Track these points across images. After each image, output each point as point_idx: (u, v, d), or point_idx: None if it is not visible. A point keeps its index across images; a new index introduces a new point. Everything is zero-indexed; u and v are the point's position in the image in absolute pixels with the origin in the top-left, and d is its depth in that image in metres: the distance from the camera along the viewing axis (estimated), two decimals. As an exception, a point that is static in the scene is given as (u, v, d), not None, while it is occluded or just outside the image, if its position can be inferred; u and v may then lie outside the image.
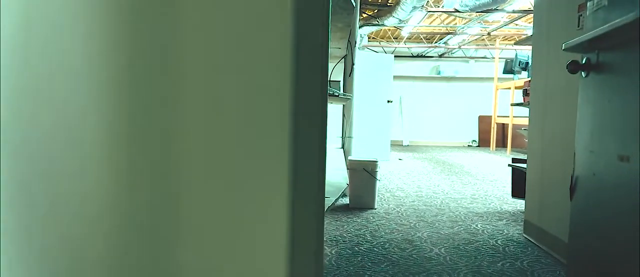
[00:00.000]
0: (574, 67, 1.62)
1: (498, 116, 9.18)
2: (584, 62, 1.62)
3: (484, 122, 10.99)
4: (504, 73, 8.41)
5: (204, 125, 0.85)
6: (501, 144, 10.43)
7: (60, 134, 0.80)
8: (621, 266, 1.35)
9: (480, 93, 11.00)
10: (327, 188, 1.78)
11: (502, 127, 10.44)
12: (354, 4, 3.39)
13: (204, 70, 0.84)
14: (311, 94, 0.90)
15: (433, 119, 11.30)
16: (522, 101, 3.25)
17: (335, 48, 2.95)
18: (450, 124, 11.29)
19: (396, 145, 10.25)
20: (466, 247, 2.38)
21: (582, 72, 1.63)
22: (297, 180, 0.88)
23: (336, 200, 1.57)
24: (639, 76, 1.29)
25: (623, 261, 1.34)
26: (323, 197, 0.95)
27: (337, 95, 1.51)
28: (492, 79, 9.91)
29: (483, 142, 10.96)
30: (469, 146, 11.10)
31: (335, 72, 4.30)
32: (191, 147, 0.85)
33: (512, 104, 4.16)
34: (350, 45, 3.33)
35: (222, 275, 0.86)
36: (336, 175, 2.13)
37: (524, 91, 3.54)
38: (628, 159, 1.31)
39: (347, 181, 1.94)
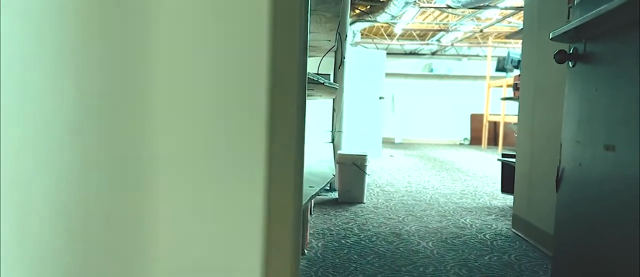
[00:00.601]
0: (561, 57, 1.60)
1: (490, 114, 9.20)
2: (571, 51, 1.61)
3: (476, 120, 11.01)
4: (496, 71, 8.43)
5: (173, 118, 0.81)
6: (493, 142, 10.46)
7: (14, 128, 0.77)
8: (606, 258, 1.34)
9: (472, 91, 11.02)
10: (312, 178, 1.75)
11: (494, 125, 10.47)
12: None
13: (173, 59, 0.81)
14: (288, 81, 0.87)
15: (425, 116, 11.31)
16: (513, 96, 3.25)
17: (325, 41, 2.92)
18: (442, 122, 11.30)
19: (389, 142, 10.25)
20: (454, 240, 2.37)
21: (570, 62, 1.62)
22: (274, 172, 0.85)
23: (321, 189, 1.54)
24: (625, 64, 1.28)
25: (607, 252, 1.32)
26: (301, 191, 0.92)
27: (323, 83, 1.48)
28: (484, 77, 9.93)
29: (475, 140, 10.98)
30: (460, 143, 11.12)
31: (325, 66, 4.27)
32: (160, 141, 0.82)
33: (503, 98, 4.16)
34: (340, 37, 3.31)
35: (197, 270, 0.83)
36: (322, 166, 2.10)
37: (514, 86, 3.53)
38: (614, 148, 1.29)
39: (334, 172, 1.91)
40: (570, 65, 1.62)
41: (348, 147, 5.20)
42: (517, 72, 6.68)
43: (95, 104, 0.65)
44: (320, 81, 1.36)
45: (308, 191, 1.48)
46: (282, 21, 0.85)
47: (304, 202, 1.32)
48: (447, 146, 10.18)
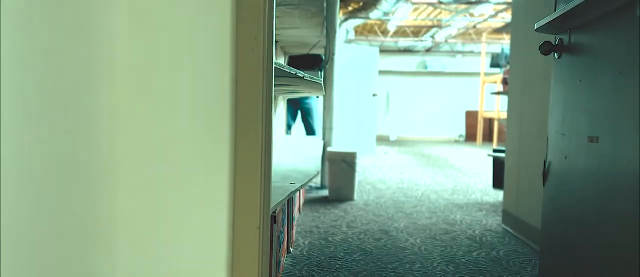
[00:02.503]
0: (547, 48, 1.57)
1: (485, 110, 9.18)
2: (556, 42, 1.58)
3: (471, 117, 11.00)
4: (490, 67, 8.41)
5: (132, 115, 0.78)
6: (488, 138, 10.44)
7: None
8: (591, 250, 1.31)
9: (467, 88, 11.01)
10: (294, 175, 1.72)
11: (489, 122, 10.46)
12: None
13: (133, 55, 0.77)
14: (252, 75, 0.83)
15: (420, 114, 11.29)
16: (502, 90, 3.22)
17: (313, 36, 2.88)
18: (437, 119, 11.29)
19: (384, 140, 10.22)
20: (442, 237, 2.34)
21: (555, 54, 1.58)
22: (239, 167, 0.81)
23: (302, 186, 1.51)
24: (607, 54, 1.25)
25: (593, 245, 1.29)
26: (268, 186, 0.89)
27: (302, 78, 1.44)
28: (478, 73, 9.91)
29: (470, 136, 10.97)
30: (456, 140, 11.11)
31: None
32: (119, 138, 0.78)
33: (492, 93, 4.14)
34: (328, 33, 3.27)
35: (161, 273, 0.80)
36: (308, 163, 2.07)
37: (503, 80, 3.50)
38: (597, 139, 1.26)
39: (318, 169, 1.88)
40: (556, 57, 1.59)
41: (341, 145, 5.16)
42: (510, 67, 6.65)
43: (50, 101, 0.62)
44: (299, 75, 1.32)
45: (288, 187, 1.44)
46: (245, 14, 0.81)
47: (282, 199, 1.28)
48: (442, 143, 10.17)
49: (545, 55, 1.59)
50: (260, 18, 0.82)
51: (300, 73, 1.41)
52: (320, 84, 1.74)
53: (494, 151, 3.18)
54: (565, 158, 1.50)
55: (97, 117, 0.75)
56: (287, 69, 1.25)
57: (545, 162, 1.65)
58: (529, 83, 2.36)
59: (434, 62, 11.12)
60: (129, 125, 0.78)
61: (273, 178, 1.64)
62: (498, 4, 5.97)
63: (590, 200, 1.31)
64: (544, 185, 1.65)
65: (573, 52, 1.49)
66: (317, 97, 4.50)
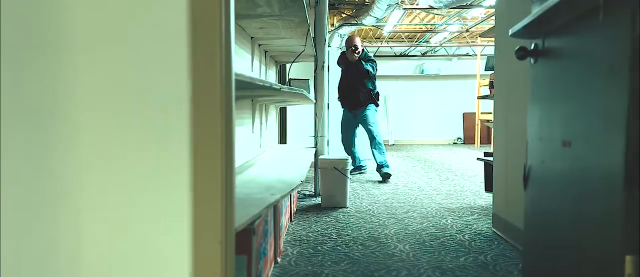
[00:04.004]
0: (522, 53, 1.59)
1: (482, 113, 9.19)
2: (532, 47, 1.59)
3: (468, 119, 11.00)
4: (486, 69, 8.42)
5: (85, 121, 0.79)
6: (487, 140, 10.43)
7: None
8: (568, 251, 1.31)
9: (464, 90, 11.01)
10: (278, 186, 1.73)
11: (488, 121, 10.45)
12: (312, 5, 3.35)
13: (93, 59, 0.78)
14: (209, 85, 0.84)
15: (418, 117, 11.29)
16: (489, 93, 3.24)
17: (299, 45, 2.90)
18: (435, 122, 11.28)
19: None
20: (432, 242, 2.34)
21: (531, 59, 1.60)
22: (198, 186, 0.82)
23: (283, 197, 1.52)
24: (577, 59, 1.26)
25: (569, 246, 1.30)
26: (232, 205, 0.89)
27: (278, 89, 1.45)
28: (475, 76, 9.93)
29: (468, 139, 10.97)
30: (454, 143, 11.11)
31: (305, 71, 4.24)
32: (75, 146, 0.79)
33: (479, 97, 4.16)
34: (314, 42, 3.29)
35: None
36: (293, 172, 2.07)
37: (490, 84, 3.52)
38: (570, 143, 1.27)
39: (303, 178, 1.89)
40: (532, 62, 1.60)
41: (337, 151, 5.17)
42: (504, 70, 6.67)
43: (11, 102, 0.63)
44: (275, 86, 1.33)
45: (268, 198, 1.45)
46: (201, 26, 0.82)
47: (258, 211, 1.29)
48: (440, 146, 10.17)
49: (520, 60, 1.61)
50: (215, 31, 0.82)
51: (277, 85, 1.42)
52: (300, 93, 1.76)
53: (485, 154, 3.18)
54: (543, 162, 1.50)
55: (57, 140, 0.76)
56: (260, 81, 1.26)
57: (525, 166, 1.65)
58: (513, 87, 2.37)
59: (430, 65, 11.14)
60: (86, 139, 0.79)
61: (255, 189, 1.65)
62: (490, 7, 5.99)
63: (567, 203, 1.32)
64: (525, 189, 1.66)
65: (547, 56, 1.50)
66: (373, 106, 4.58)
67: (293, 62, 3.04)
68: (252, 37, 2.70)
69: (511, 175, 2.40)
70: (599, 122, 1.13)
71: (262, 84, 1.29)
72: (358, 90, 4.50)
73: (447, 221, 2.82)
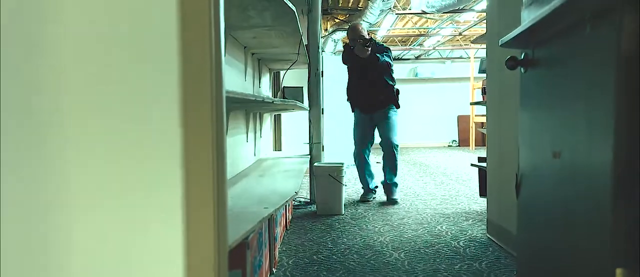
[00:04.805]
0: (512, 63, 1.60)
1: (476, 115, 9.22)
2: (522, 57, 1.60)
3: (463, 121, 11.04)
4: (479, 72, 8.47)
5: (71, 132, 0.79)
6: (482, 143, 10.48)
7: None
8: (560, 263, 1.32)
9: (458, 93, 11.06)
10: (271, 197, 1.73)
11: (482, 126, 10.49)
12: (305, 13, 3.36)
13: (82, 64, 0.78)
14: (200, 91, 0.84)
15: (413, 121, 11.31)
16: (482, 100, 3.26)
17: (292, 54, 2.91)
18: (430, 125, 11.32)
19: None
20: (427, 250, 2.35)
21: (521, 68, 1.61)
22: (191, 199, 0.82)
23: (276, 210, 1.52)
24: (565, 69, 1.27)
25: (561, 258, 1.31)
26: (225, 222, 0.90)
27: (271, 102, 1.45)
28: (469, 78, 9.97)
29: (463, 141, 11.00)
30: (449, 146, 11.14)
31: (299, 78, 4.25)
32: (74, 175, 0.79)
33: (472, 103, 4.18)
34: (308, 50, 3.30)
35: None
36: (287, 183, 2.08)
37: (482, 90, 3.54)
38: (559, 155, 1.28)
39: (297, 189, 1.89)
40: (522, 71, 1.61)
41: (334, 156, 5.17)
42: (498, 72, 6.70)
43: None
44: (261, 98, 1.34)
45: (261, 212, 1.45)
46: (190, 46, 0.82)
47: (252, 226, 1.29)
48: (435, 149, 10.20)
49: (511, 69, 1.62)
50: (205, 41, 0.82)
51: (269, 99, 1.43)
52: (296, 104, 1.76)
53: (479, 159, 3.20)
54: (534, 172, 1.52)
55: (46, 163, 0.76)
56: (252, 96, 1.27)
57: (517, 175, 1.66)
58: (505, 93, 2.38)
59: (424, 69, 11.18)
60: (69, 139, 0.78)
61: (248, 202, 1.65)
62: (482, 11, 6.03)
63: (558, 212, 1.33)
64: (517, 197, 1.67)
65: (537, 66, 1.52)
66: (395, 108, 3.75)
67: (287, 70, 3.04)
68: (245, 47, 2.70)
69: (505, 181, 2.41)
70: (587, 134, 1.14)
71: (254, 98, 1.30)
72: (375, 90, 3.60)
73: (442, 227, 2.83)
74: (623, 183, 0.99)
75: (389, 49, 3.72)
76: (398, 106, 3.77)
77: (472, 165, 3.20)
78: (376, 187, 3.91)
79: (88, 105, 0.78)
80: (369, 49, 3.43)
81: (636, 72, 0.98)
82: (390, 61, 3.57)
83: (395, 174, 3.72)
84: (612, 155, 0.99)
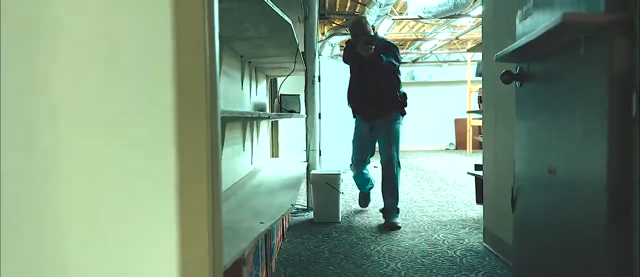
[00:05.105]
0: (507, 78, 1.61)
1: (473, 118, 9.24)
2: (517, 72, 1.61)
3: (460, 125, 11.06)
4: (476, 75, 8.49)
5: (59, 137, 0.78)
6: (479, 146, 10.49)
7: None
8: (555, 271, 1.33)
9: (455, 96, 11.07)
10: (267, 210, 1.73)
11: (479, 129, 10.51)
12: (301, 20, 3.36)
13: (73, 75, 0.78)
14: (195, 100, 0.83)
15: (410, 124, 11.28)
16: (478, 109, 3.27)
17: (290, 62, 2.91)
18: (427, 129, 11.32)
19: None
20: (423, 260, 2.35)
21: (517, 83, 1.62)
22: (185, 221, 0.82)
23: (272, 225, 1.52)
24: (563, 86, 1.28)
25: (555, 275, 1.31)
26: (220, 246, 0.90)
27: (267, 117, 1.46)
28: (465, 82, 9.99)
29: (460, 144, 11.02)
30: (446, 149, 11.16)
31: (296, 84, 4.25)
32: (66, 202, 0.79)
33: (468, 112, 4.19)
34: (304, 57, 3.30)
35: None
36: (284, 195, 2.08)
37: (478, 98, 3.55)
38: (555, 171, 1.29)
39: (293, 201, 1.89)
40: (518, 86, 1.62)
41: (332, 161, 5.16)
42: (494, 77, 6.71)
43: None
44: (254, 116, 1.33)
45: (257, 228, 1.45)
46: (185, 47, 0.81)
47: (247, 244, 1.29)
48: (433, 152, 10.21)
49: (506, 84, 1.62)
50: (200, 54, 0.82)
51: (265, 114, 1.42)
52: (290, 115, 1.76)
53: (475, 167, 3.21)
54: (530, 187, 1.52)
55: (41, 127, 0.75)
56: (248, 114, 1.27)
57: (513, 189, 1.67)
58: (501, 103, 2.39)
59: (421, 72, 11.21)
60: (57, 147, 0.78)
61: (244, 216, 1.65)
62: (479, 16, 6.04)
63: (554, 226, 1.34)
64: (513, 211, 1.67)
65: (532, 81, 1.52)
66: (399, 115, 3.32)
67: (284, 80, 3.04)
68: (241, 56, 2.71)
69: (501, 190, 2.42)
70: (582, 150, 1.15)
71: (250, 115, 1.30)
72: (377, 94, 3.14)
73: (438, 235, 2.83)
74: (618, 200, 1.00)
75: (396, 46, 3.23)
76: (404, 113, 3.33)
77: (468, 173, 3.21)
78: (371, 187, 3.68)
79: (79, 121, 0.77)
80: (373, 47, 2.94)
81: (628, 92, 0.98)
82: (395, 61, 3.08)
83: (396, 199, 3.19)
84: (607, 178, 0.99)
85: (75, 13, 0.76)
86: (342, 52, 3.43)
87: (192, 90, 0.83)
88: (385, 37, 3.32)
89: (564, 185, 1.24)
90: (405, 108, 3.34)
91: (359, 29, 3.11)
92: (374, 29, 3.16)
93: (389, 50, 3.08)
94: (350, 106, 3.39)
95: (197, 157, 0.82)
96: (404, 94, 3.31)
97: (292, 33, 2.02)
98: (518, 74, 1.59)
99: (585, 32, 1.07)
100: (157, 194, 0.78)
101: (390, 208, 3.16)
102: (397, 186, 3.24)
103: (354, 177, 3.58)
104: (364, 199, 3.72)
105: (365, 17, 3.49)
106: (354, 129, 3.40)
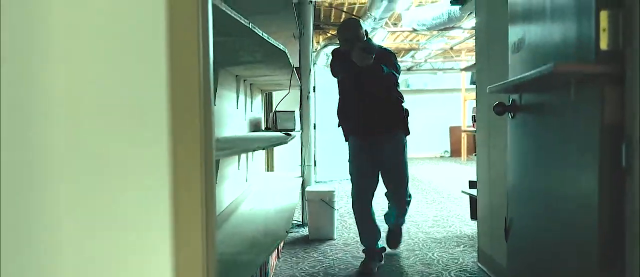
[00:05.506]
0: (500, 109, 1.62)
1: (468, 126, 9.28)
2: (510, 103, 1.62)
3: (455, 132, 11.10)
4: (471, 84, 8.54)
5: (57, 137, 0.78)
6: (474, 150, 10.53)
7: None
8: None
9: (449, 104, 11.12)
10: (262, 240, 1.73)
11: (473, 137, 10.56)
12: (296, 36, 3.38)
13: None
14: (188, 116, 0.82)
15: (405, 131, 11.34)
16: (472, 127, 3.29)
17: (286, 80, 2.92)
18: (422, 136, 11.32)
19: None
20: (418, 282, 2.35)
21: (509, 114, 1.63)
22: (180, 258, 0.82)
23: (268, 254, 1.52)
24: (555, 122, 1.29)
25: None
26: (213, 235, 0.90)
27: (263, 147, 1.46)
28: (460, 90, 10.04)
29: (455, 152, 11.06)
30: (441, 156, 11.19)
31: (291, 99, 4.25)
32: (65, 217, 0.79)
33: (464, 131, 4.20)
34: (299, 74, 3.31)
35: None
36: (278, 220, 2.08)
37: (472, 117, 3.56)
38: (550, 207, 1.30)
39: (288, 228, 1.89)
40: (510, 117, 1.63)
41: (328, 173, 5.17)
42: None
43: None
44: (250, 148, 1.34)
45: (254, 260, 1.45)
46: (179, 63, 0.81)
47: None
48: (428, 160, 10.24)
49: (499, 115, 1.64)
50: (194, 70, 0.81)
51: (263, 144, 1.43)
52: (285, 138, 1.77)
53: (469, 184, 3.22)
54: (524, 214, 1.53)
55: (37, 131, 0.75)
56: (242, 141, 1.27)
57: (506, 219, 1.68)
58: (494, 126, 2.40)
59: (416, 80, 11.25)
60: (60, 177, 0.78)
61: (239, 247, 1.65)
62: (472, 28, 6.08)
63: (547, 257, 1.35)
64: (506, 241, 1.69)
65: (525, 113, 1.54)
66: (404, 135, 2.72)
67: (280, 101, 3.04)
68: (236, 76, 2.71)
69: (495, 212, 2.43)
70: (573, 196, 1.16)
71: (245, 146, 1.31)
72: (379, 108, 2.58)
73: (433, 254, 2.84)
74: (609, 252, 1.01)
75: (394, 54, 2.74)
76: (408, 132, 2.71)
77: (463, 192, 3.22)
78: (383, 249, 2.72)
79: (73, 137, 0.77)
80: (373, 55, 2.42)
81: (618, 139, 1.00)
82: (395, 72, 2.58)
83: (404, 219, 2.88)
84: (598, 223, 1.01)
85: (72, 13, 0.76)
86: (329, 62, 2.86)
87: (186, 109, 0.81)
88: (381, 45, 2.84)
89: (557, 224, 1.25)
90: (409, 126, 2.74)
91: (352, 34, 2.52)
92: (367, 34, 2.62)
93: (388, 58, 2.58)
94: (343, 127, 2.74)
95: (192, 202, 0.82)
96: (407, 111, 2.74)
97: (287, 58, 2.03)
98: (510, 106, 1.61)
99: (576, 78, 1.09)
100: (149, 238, 0.78)
101: (400, 227, 2.89)
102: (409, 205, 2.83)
103: (357, 222, 2.66)
104: (371, 259, 2.60)
105: (357, 20, 3.07)
106: (348, 156, 2.72)
